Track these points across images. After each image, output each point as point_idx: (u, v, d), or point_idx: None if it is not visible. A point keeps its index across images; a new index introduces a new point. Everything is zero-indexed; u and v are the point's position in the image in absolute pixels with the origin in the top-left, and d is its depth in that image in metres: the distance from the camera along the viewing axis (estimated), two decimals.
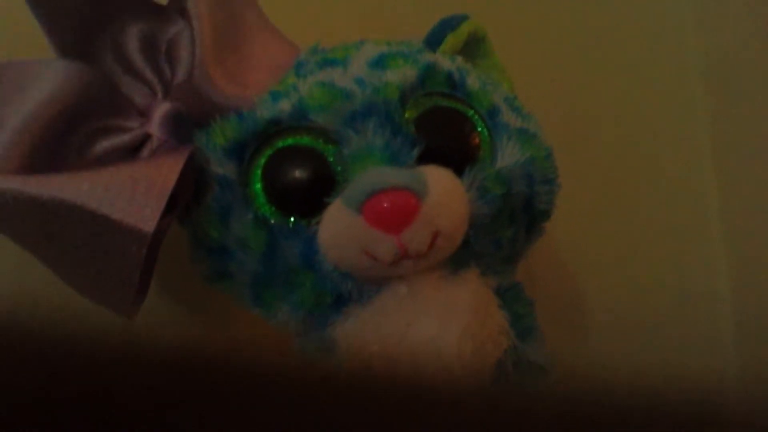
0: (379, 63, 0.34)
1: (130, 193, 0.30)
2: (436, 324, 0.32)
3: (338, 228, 0.31)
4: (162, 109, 0.35)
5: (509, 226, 0.34)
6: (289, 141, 0.33)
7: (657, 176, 0.57)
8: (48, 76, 0.33)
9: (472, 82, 0.35)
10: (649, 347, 0.55)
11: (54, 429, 0.16)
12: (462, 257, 0.33)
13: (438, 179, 0.31)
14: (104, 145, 0.34)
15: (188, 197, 0.34)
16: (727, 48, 0.57)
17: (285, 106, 0.33)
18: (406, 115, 0.33)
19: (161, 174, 0.31)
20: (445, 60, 0.35)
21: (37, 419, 0.16)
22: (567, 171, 0.37)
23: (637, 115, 0.57)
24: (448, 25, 0.38)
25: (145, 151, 0.34)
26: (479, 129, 0.34)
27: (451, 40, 0.37)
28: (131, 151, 0.35)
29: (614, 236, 0.55)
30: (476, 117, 0.34)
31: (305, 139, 0.33)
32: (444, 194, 0.31)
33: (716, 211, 0.58)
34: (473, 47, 0.39)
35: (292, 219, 0.32)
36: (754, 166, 0.54)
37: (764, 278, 0.54)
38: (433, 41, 0.37)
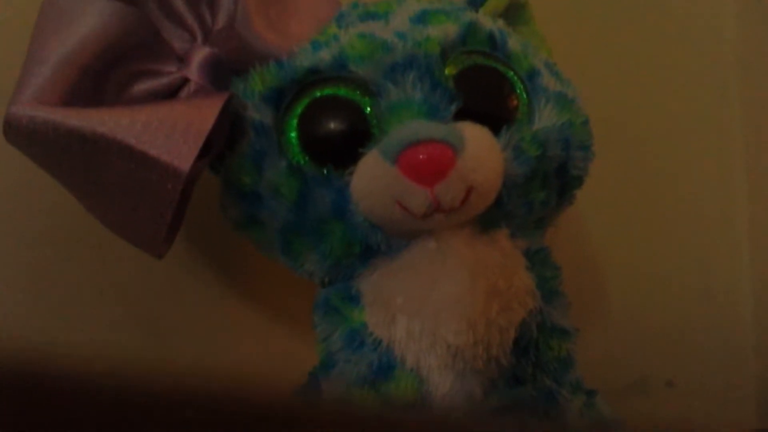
0: (421, 18, 0.34)
1: (169, 131, 0.30)
2: (463, 281, 0.32)
3: (372, 177, 0.31)
4: (201, 54, 0.35)
5: (542, 189, 0.34)
6: (327, 91, 0.33)
7: (685, 172, 0.57)
8: (92, 14, 0.33)
9: (513, 43, 0.35)
10: (669, 345, 0.55)
11: None
12: (493, 217, 0.33)
13: (475, 136, 0.31)
14: (142, 87, 0.35)
15: (222, 143, 0.34)
16: (764, 38, 0.56)
17: (325, 55, 0.33)
18: (446, 71, 0.33)
19: (200, 115, 0.31)
20: (486, 20, 0.35)
21: None
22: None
23: (667, 108, 0.56)
24: None
25: (182, 96, 0.35)
26: (518, 91, 0.34)
27: (493, 2, 0.37)
28: (168, 95, 0.35)
29: (639, 228, 0.55)
30: (515, 78, 0.34)
31: (342, 90, 0.33)
32: (480, 150, 0.31)
33: (744, 209, 0.57)
34: (514, 13, 0.39)
35: (326, 169, 0.32)
36: None
37: None
38: (475, 2, 0.37)
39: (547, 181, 0.34)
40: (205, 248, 0.45)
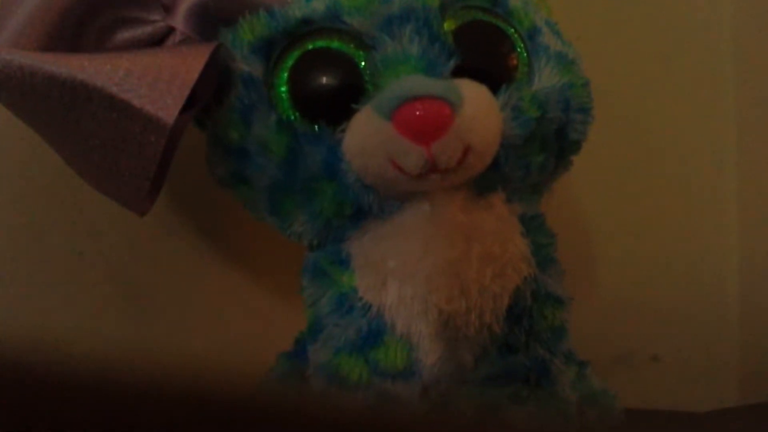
0: None
1: (153, 81, 0.29)
2: (457, 246, 0.31)
3: (366, 135, 0.30)
4: (187, 1, 0.33)
5: (540, 152, 0.33)
6: (320, 43, 0.31)
7: (676, 148, 0.56)
8: None
9: (514, 0, 0.34)
10: (656, 320, 0.55)
11: None
12: (489, 180, 0.32)
13: (473, 94, 0.30)
14: (124, 35, 0.33)
15: (209, 95, 0.32)
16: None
17: (318, 5, 0.31)
18: (445, 26, 0.31)
19: (185, 64, 0.30)
20: None
21: None
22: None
23: (660, 93, 0.55)
24: None
25: (168, 45, 0.33)
26: (518, 49, 0.33)
27: None
28: (152, 45, 0.33)
29: (628, 204, 0.55)
30: (516, 36, 0.33)
31: (336, 43, 0.31)
32: (479, 109, 0.30)
33: (733, 184, 0.57)
34: None
35: (317, 125, 0.31)
36: None
37: None
38: None
39: (546, 144, 0.33)
40: (188, 210, 0.44)
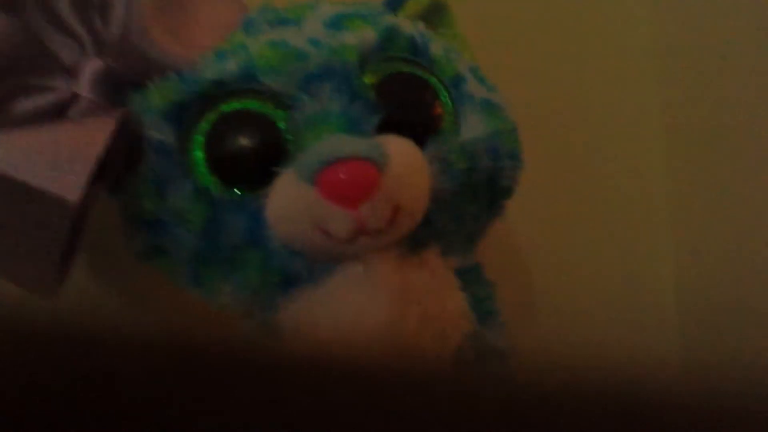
0: (337, 23, 0.31)
1: (53, 158, 0.27)
2: (393, 307, 0.30)
3: (289, 200, 0.28)
4: (92, 66, 0.31)
5: (471, 202, 0.32)
6: (235, 105, 0.30)
7: (608, 168, 0.57)
8: None
9: (436, 48, 0.33)
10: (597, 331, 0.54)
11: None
12: (421, 235, 0.31)
13: (399, 150, 0.29)
14: (25, 105, 0.31)
15: (120, 165, 0.30)
16: (680, 40, 0.57)
17: (232, 66, 0.30)
18: (366, 80, 0.30)
19: (89, 137, 0.28)
20: (407, 23, 0.33)
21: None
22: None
23: (589, 103, 0.56)
24: None
25: (72, 114, 0.31)
26: (442, 98, 0.32)
27: (413, 5, 0.35)
28: (56, 113, 0.31)
29: (563, 224, 0.55)
30: (439, 85, 0.32)
31: (253, 104, 0.30)
32: (405, 166, 0.29)
33: (664, 203, 0.58)
34: (434, 15, 0.37)
35: (237, 191, 0.29)
36: (702, 158, 0.54)
37: (707, 267, 0.54)
38: (393, 5, 0.35)
39: (477, 194, 0.32)
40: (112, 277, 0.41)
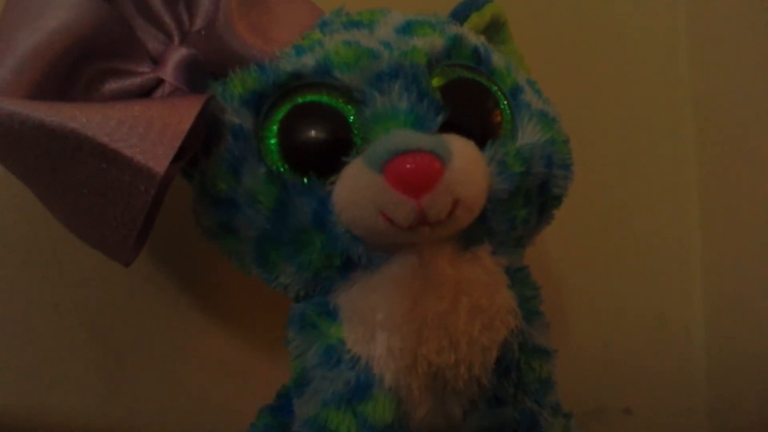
0: (407, 29, 0.33)
1: (144, 131, 0.29)
2: (446, 298, 0.31)
3: (356, 187, 0.30)
4: (177, 55, 0.34)
5: (524, 206, 0.33)
6: (309, 97, 0.32)
7: (640, 201, 0.58)
8: (63, 7, 0.31)
9: (497, 59, 0.35)
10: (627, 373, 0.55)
11: None
12: (476, 233, 0.32)
13: (461, 148, 0.30)
14: (113, 86, 0.33)
15: (197, 146, 0.32)
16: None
17: (309, 60, 0.32)
18: (433, 83, 0.32)
19: (177, 115, 0.30)
20: (471, 35, 0.35)
21: None
22: None
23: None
24: (474, 4, 0.37)
25: (157, 96, 0.33)
26: (502, 106, 0.34)
27: (476, 19, 0.37)
28: (141, 97, 0.33)
29: (597, 259, 0.56)
30: (500, 94, 0.34)
31: (325, 97, 0.32)
32: (467, 163, 0.30)
33: (698, 237, 0.58)
34: (494, 31, 0.39)
35: (307, 177, 0.31)
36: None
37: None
38: (458, 17, 0.37)
39: (530, 199, 0.34)
40: (170, 261, 0.43)
